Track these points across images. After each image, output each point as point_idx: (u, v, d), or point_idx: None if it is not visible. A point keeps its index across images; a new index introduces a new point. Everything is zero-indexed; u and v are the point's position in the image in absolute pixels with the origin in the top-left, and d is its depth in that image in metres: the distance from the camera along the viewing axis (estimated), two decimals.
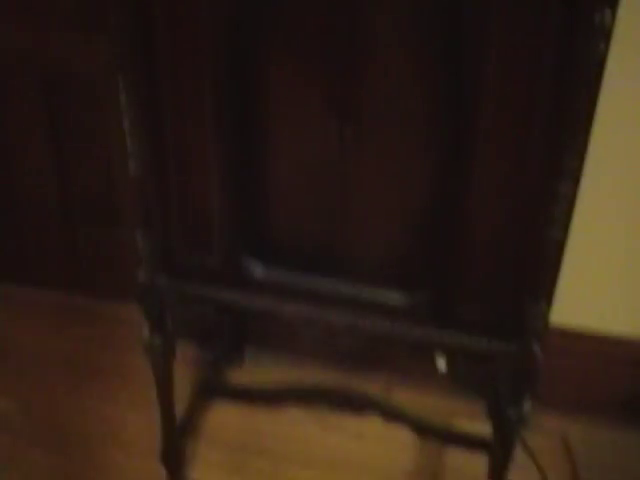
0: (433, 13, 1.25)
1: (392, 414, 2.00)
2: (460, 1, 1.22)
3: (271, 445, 2.06)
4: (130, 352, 2.18)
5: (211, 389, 2.12)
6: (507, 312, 1.45)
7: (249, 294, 1.56)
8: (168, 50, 1.36)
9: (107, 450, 2.04)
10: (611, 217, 1.90)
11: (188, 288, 1.60)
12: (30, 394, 2.17)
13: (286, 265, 1.53)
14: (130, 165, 1.46)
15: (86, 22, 2.00)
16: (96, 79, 2.05)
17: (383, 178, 1.41)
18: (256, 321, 2.20)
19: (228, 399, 2.11)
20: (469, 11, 1.22)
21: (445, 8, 1.24)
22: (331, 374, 2.21)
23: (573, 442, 2.05)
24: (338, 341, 1.57)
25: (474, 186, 1.33)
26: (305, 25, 1.31)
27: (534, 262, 1.36)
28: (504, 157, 1.30)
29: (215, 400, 2.14)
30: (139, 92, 1.40)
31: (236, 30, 1.33)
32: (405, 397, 2.15)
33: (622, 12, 1.19)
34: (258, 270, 1.54)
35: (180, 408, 1.92)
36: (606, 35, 1.16)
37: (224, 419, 2.11)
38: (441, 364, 1.70)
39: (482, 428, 1.94)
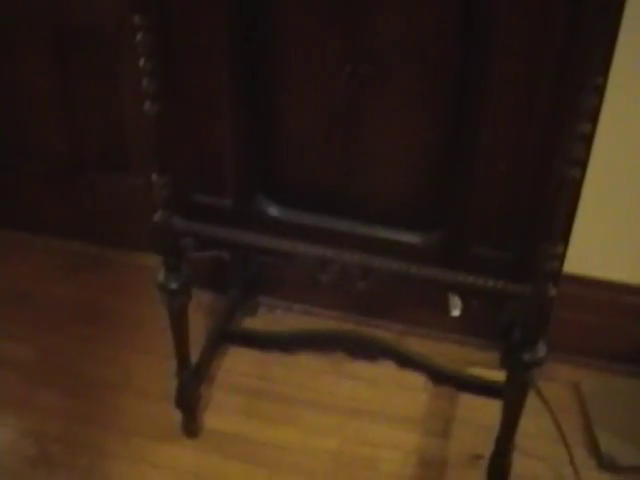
0: None
1: (406, 360, 2.00)
2: None
3: (285, 391, 2.07)
4: (145, 299, 2.19)
5: (226, 336, 2.12)
6: (522, 254, 1.44)
7: (263, 235, 1.56)
8: None
9: (122, 395, 2.06)
10: (622, 162, 1.88)
11: (203, 229, 1.60)
12: (46, 341, 2.19)
13: (300, 205, 1.53)
14: (145, 105, 1.46)
15: None
16: (108, 24, 2.04)
17: (398, 116, 1.40)
18: (270, 269, 2.20)
19: (242, 346, 2.12)
20: None
21: None
22: (345, 322, 2.22)
23: (586, 391, 2.06)
24: (353, 285, 1.57)
25: (489, 123, 1.32)
26: None
27: (550, 202, 1.35)
28: (519, 94, 1.29)
29: (229, 347, 2.15)
30: (154, 33, 1.39)
31: None
32: (419, 344, 2.15)
33: None
34: (272, 210, 1.54)
35: (195, 355, 1.93)
36: None
37: (238, 365, 2.13)
38: (455, 307, 1.70)
39: (496, 375, 1.94)
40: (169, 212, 1.58)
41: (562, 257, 1.41)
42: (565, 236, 1.40)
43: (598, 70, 1.21)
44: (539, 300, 1.46)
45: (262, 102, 1.45)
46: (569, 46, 1.22)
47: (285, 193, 1.53)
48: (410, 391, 2.07)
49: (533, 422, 1.94)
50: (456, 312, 1.71)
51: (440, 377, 2.01)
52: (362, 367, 2.09)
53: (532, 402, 1.94)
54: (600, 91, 1.24)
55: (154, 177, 1.54)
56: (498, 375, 1.89)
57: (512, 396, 1.69)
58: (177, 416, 1.95)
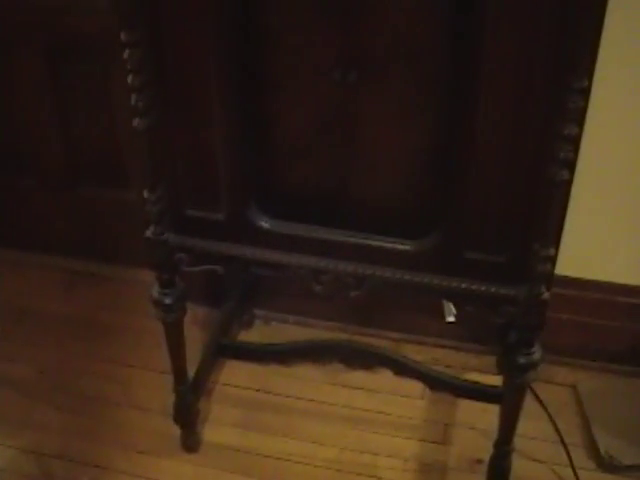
0: None
1: (403, 368, 2.01)
2: None
3: (283, 402, 2.07)
4: (143, 315, 2.18)
5: (222, 349, 2.12)
6: (515, 257, 1.45)
7: (256, 248, 1.57)
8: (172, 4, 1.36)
9: (120, 410, 2.06)
10: (615, 164, 1.89)
11: (196, 244, 1.60)
12: (44, 358, 2.19)
13: (293, 217, 1.53)
14: (134, 121, 1.46)
15: None
16: (99, 37, 2.03)
17: (390, 122, 1.41)
18: (265, 281, 2.20)
19: (239, 358, 2.13)
20: None
21: None
22: (341, 332, 2.22)
23: (583, 392, 2.06)
24: (347, 294, 1.57)
25: (480, 128, 1.33)
26: None
27: (541, 205, 1.36)
28: (510, 97, 1.30)
29: (226, 360, 2.15)
30: (142, 50, 1.39)
31: None
32: (415, 351, 2.15)
33: None
34: (265, 223, 1.54)
35: (192, 369, 1.93)
36: None
37: (236, 378, 2.13)
38: (449, 314, 1.71)
39: (493, 381, 1.95)
40: (161, 227, 1.58)
41: (554, 258, 1.42)
42: (557, 237, 1.41)
43: (583, 73, 1.22)
44: (533, 302, 1.46)
45: (254, 112, 1.46)
46: (558, 50, 1.24)
47: (277, 205, 1.54)
48: (408, 398, 2.07)
49: (531, 424, 1.94)
50: (451, 318, 1.71)
51: (437, 383, 2.01)
52: (359, 376, 2.10)
53: (530, 404, 1.96)
54: (586, 93, 1.25)
55: (145, 193, 1.54)
56: (495, 380, 1.90)
57: (509, 399, 1.69)
58: (176, 431, 1.95)
